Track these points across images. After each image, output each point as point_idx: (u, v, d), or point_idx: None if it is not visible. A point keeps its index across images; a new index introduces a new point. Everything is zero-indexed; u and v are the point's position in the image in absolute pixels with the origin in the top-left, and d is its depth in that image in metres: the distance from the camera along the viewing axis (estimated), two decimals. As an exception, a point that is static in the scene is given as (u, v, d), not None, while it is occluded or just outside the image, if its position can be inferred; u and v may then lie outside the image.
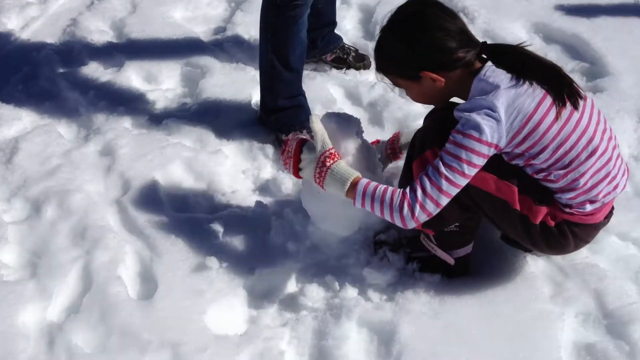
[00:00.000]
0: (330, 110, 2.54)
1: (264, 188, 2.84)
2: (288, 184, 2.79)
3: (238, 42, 3.66)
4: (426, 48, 2.05)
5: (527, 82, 2.02)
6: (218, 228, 2.55)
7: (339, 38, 3.53)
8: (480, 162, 2.02)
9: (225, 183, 2.83)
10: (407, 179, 2.26)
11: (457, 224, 2.25)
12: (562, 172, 2.06)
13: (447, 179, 2.01)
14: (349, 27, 3.84)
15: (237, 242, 2.52)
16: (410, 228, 2.12)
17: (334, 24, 3.49)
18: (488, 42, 2.11)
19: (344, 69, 3.51)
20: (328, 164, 2.17)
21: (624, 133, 2.96)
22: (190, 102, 3.27)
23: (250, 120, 3.15)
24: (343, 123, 2.32)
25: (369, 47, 3.65)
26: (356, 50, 3.57)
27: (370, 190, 2.13)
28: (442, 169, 2.01)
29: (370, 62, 3.54)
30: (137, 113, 3.17)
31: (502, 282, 2.37)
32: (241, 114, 3.18)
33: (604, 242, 2.50)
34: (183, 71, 3.48)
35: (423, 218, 2.08)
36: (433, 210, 2.06)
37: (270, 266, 2.44)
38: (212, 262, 2.41)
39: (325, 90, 3.30)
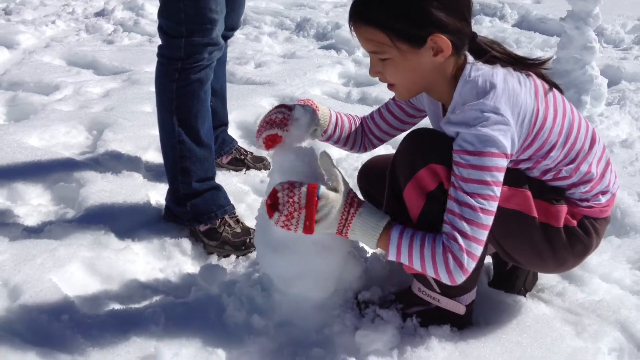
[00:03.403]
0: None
1: (190, 283, 2.28)
2: (219, 274, 2.25)
3: (115, 156, 3.16)
4: (449, 1, 1.68)
5: (514, 73, 1.78)
6: (156, 317, 1.94)
7: (234, 140, 3.19)
8: (502, 178, 1.70)
9: (143, 282, 2.24)
10: (396, 214, 1.86)
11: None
12: (572, 166, 1.82)
13: (483, 210, 1.66)
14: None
15: (187, 329, 1.92)
16: (459, 283, 1.72)
17: (226, 124, 3.15)
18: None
19: (244, 169, 3.13)
20: (355, 206, 1.75)
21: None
22: (74, 212, 2.68)
23: (155, 218, 2.62)
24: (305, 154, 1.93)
25: (261, 154, 3.33)
26: (251, 153, 3.24)
27: (407, 241, 1.72)
28: (473, 201, 1.66)
29: (269, 162, 3.21)
30: (8, 226, 2.53)
31: (519, 326, 2.01)
32: (142, 214, 2.64)
33: (592, 284, 2.26)
34: (54, 188, 2.90)
35: (472, 266, 1.69)
36: (479, 252, 1.69)
37: (238, 346, 1.86)
38: (164, 353, 1.78)
39: (232, 185, 2.89)
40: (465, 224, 1.66)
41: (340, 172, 1.82)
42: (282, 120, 1.95)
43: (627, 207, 2.85)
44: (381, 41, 1.71)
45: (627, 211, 2.82)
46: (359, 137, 2.17)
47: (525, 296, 2.14)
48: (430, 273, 1.72)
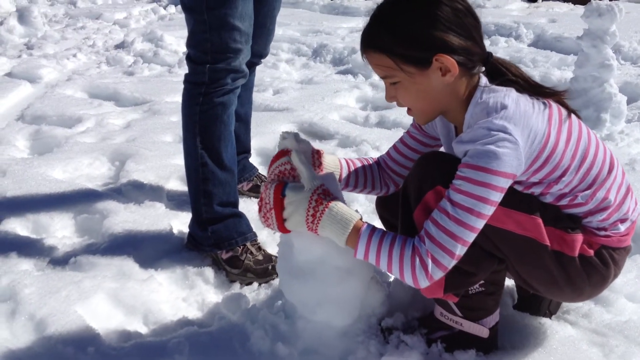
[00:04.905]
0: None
1: (214, 312, 2.29)
2: (243, 302, 2.26)
3: (138, 186, 3.20)
4: (452, 22, 1.68)
5: (527, 95, 1.77)
6: (180, 347, 1.95)
7: (254, 167, 3.22)
8: (498, 198, 1.66)
9: (167, 312, 2.26)
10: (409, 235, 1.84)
11: (481, 281, 1.87)
12: (588, 192, 1.79)
13: (458, 221, 1.64)
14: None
15: (211, 358, 1.94)
16: (424, 287, 1.72)
17: (248, 152, 3.19)
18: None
19: (265, 197, 3.15)
20: (325, 202, 1.77)
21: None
22: (98, 242, 2.70)
23: (177, 247, 2.64)
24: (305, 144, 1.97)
25: (282, 180, 3.35)
26: (272, 180, 3.26)
27: (377, 240, 1.74)
28: (451, 209, 1.65)
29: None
30: (35, 257, 2.56)
31: (546, 349, 1.99)
32: (165, 243, 2.66)
33: (617, 304, 2.24)
34: (78, 220, 2.93)
35: (438, 274, 1.69)
36: (448, 263, 1.67)
37: (264, 376, 1.86)
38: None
39: (253, 212, 2.88)
40: (434, 228, 1.67)
41: (310, 169, 1.83)
42: (290, 171, 1.91)
43: (651, 225, 2.82)
44: (388, 65, 1.73)
45: (651, 229, 2.79)
46: (376, 177, 2.15)
47: (550, 318, 2.12)
48: (395, 274, 1.73)
